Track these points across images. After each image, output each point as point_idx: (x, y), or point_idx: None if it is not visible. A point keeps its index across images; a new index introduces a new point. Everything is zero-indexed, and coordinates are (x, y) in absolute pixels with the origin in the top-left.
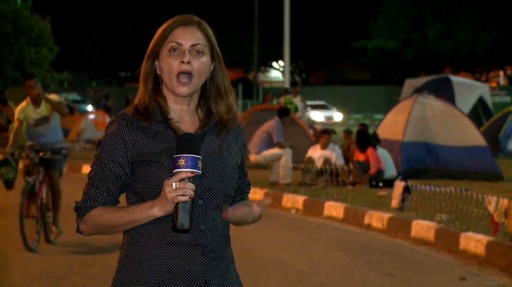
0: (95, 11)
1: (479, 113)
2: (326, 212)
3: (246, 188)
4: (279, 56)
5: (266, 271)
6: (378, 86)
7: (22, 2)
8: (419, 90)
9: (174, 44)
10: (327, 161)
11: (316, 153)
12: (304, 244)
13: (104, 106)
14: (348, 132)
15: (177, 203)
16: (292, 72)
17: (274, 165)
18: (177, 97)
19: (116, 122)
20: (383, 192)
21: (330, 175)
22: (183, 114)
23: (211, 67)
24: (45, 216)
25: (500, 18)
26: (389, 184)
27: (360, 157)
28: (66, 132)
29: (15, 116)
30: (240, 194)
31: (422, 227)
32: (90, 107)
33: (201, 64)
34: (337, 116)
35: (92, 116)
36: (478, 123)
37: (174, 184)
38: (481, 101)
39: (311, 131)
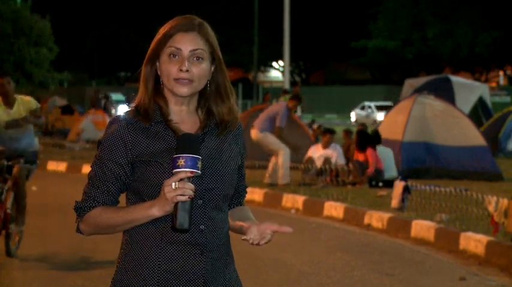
0: (95, 11)
1: (479, 113)
2: (326, 212)
3: (243, 191)
4: (279, 56)
5: (266, 271)
6: (378, 86)
7: (22, 2)
8: (419, 90)
9: (173, 49)
10: (327, 160)
11: (317, 152)
12: (304, 244)
13: (104, 106)
14: (348, 132)
15: (177, 203)
16: (292, 72)
17: (270, 166)
18: (177, 98)
19: (116, 122)
20: (383, 192)
21: (329, 174)
22: (183, 115)
23: (212, 69)
24: (7, 228)
25: (500, 18)
26: (389, 184)
27: (360, 157)
28: (66, 132)
29: None
30: (236, 197)
31: (422, 227)
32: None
33: (201, 70)
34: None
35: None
36: (478, 123)
37: (173, 183)
38: (481, 101)
39: (310, 131)
